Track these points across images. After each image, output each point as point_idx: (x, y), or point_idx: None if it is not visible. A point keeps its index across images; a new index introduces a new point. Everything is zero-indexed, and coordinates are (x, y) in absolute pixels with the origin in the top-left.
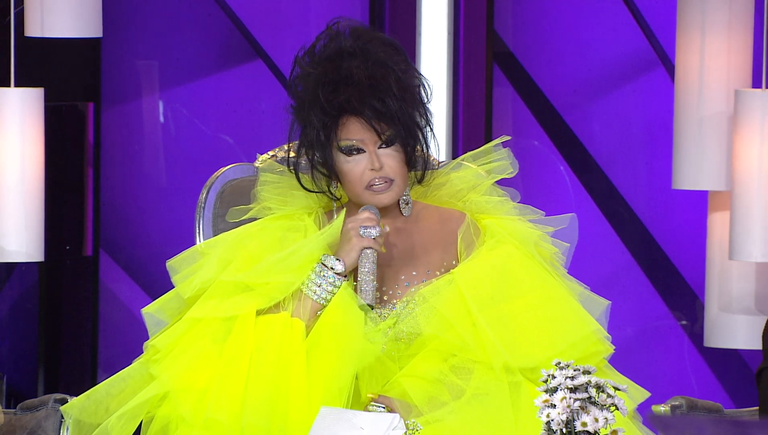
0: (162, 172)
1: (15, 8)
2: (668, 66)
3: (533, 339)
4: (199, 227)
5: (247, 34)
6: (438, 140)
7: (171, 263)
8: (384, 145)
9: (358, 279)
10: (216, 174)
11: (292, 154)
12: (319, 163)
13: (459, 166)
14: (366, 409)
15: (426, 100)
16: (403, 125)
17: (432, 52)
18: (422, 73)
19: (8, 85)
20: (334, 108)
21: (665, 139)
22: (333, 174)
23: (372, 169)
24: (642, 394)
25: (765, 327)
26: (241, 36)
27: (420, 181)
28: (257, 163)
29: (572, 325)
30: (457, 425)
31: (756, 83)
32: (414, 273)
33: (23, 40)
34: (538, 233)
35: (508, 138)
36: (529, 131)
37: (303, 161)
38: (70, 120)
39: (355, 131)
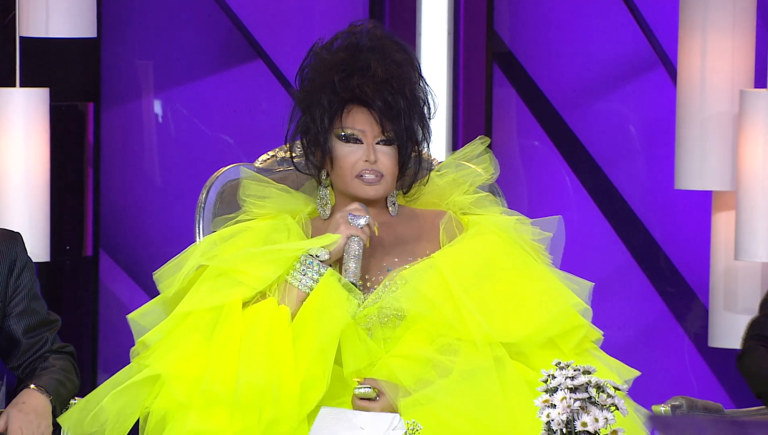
0: (162, 172)
1: (15, 9)
2: (668, 66)
3: (514, 315)
4: (199, 227)
5: (247, 34)
6: (435, 148)
7: (157, 275)
8: (382, 143)
9: (343, 259)
10: (216, 174)
11: (287, 153)
12: (315, 146)
13: (441, 172)
14: (354, 391)
15: (429, 117)
16: (406, 128)
17: (432, 52)
18: (423, 76)
19: (13, 85)
20: (346, 91)
21: (665, 139)
22: (328, 157)
23: (366, 161)
24: (630, 373)
25: (764, 298)
26: (241, 36)
27: (405, 193)
28: (257, 163)
29: (552, 300)
30: (446, 401)
31: (759, 83)
32: (396, 260)
33: (22, 41)
34: (515, 219)
35: (488, 140)
36: (530, 131)
37: (295, 155)
38: (70, 120)
39: (359, 121)
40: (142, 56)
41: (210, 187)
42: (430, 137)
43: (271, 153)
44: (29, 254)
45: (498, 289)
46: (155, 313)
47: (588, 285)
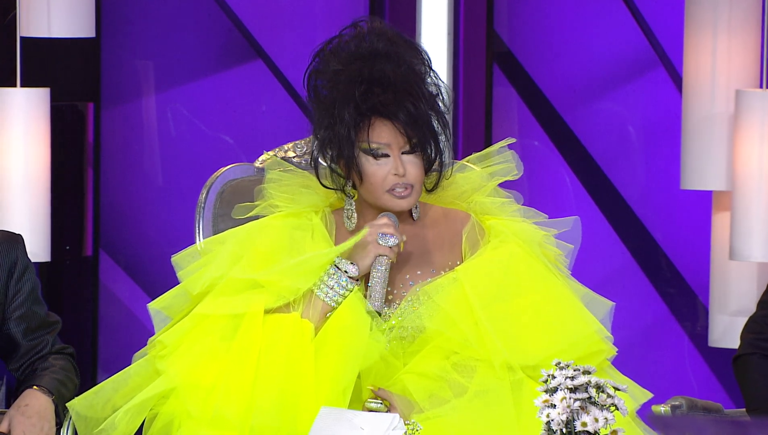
0: (162, 172)
1: (16, 8)
2: (668, 66)
3: (534, 337)
4: (199, 227)
5: (247, 34)
6: (448, 145)
7: (176, 259)
8: (408, 152)
9: (369, 284)
10: (216, 174)
11: (287, 153)
12: (341, 160)
13: (463, 167)
14: (365, 404)
15: (445, 109)
16: (429, 132)
17: (432, 52)
18: (433, 69)
19: (14, 85)
20: (368, 108)
21: (665, 139)
22: (355, 172)
23: (396, 175)
24: (644, 395)
25: (762, 297)
26: (241, 36)
27: (430, 191)
28: (257, 163)
29: (574, 325)
30: (458, 421)
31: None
32: (419, 272)
33: (23, 41)
34: (542, 234)
35: (513, 140)
36: (529, 131)
37: (305, 160)
38: (70, 120)
39: (384, 135)
40: (142, 56)
41: (210, 187)
42: (450, 132)
43: (270, 153)
44: (30, 255)
45: (519, 306)
46: (177, 302)
47: (608, 304)
